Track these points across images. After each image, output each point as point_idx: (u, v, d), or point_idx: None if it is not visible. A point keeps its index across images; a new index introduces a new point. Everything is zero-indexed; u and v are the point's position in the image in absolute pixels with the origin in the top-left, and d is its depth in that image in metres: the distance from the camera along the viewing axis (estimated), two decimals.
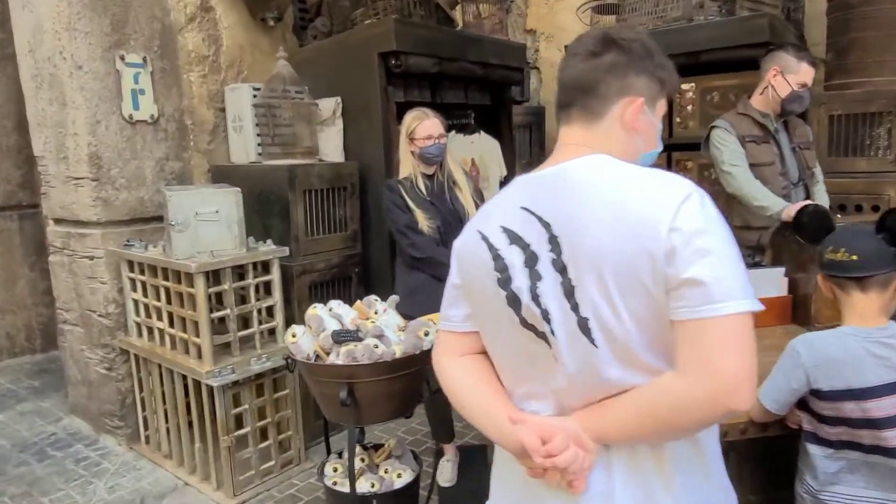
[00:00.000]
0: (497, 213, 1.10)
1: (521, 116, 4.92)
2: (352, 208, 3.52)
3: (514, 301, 1.04)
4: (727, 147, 2.61)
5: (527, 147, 5.06)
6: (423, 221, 2.68)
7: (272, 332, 3.04)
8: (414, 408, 2.26)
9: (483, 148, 4.22)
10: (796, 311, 2.26)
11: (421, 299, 2.48)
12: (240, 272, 2.87)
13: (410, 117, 2.74)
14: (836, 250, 1.46)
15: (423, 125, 2.69)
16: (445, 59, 3.64)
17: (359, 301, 2.34)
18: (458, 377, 1.17)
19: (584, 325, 0.98)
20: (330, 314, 2.20)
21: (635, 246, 0.92)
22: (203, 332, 2.71)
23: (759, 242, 2.65)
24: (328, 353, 2.06)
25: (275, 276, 3.00)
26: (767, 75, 2.64)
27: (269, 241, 3.05)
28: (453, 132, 3.97)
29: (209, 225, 2.77)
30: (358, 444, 2.27)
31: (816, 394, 1.43)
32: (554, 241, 0.99)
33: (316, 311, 2.19)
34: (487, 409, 1.12)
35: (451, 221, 2.75)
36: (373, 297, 2.37)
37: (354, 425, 2.07)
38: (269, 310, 3.03)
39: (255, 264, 2.93)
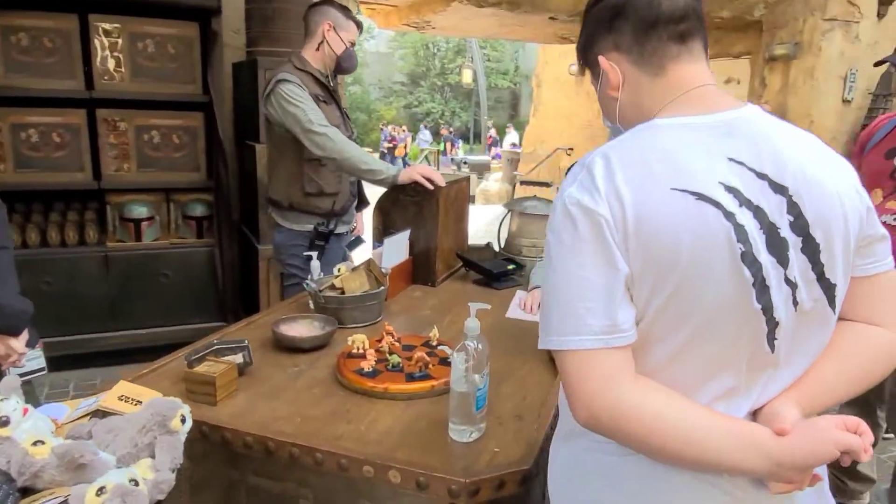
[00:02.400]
0: (699, 165, 0.84)
1: None
2: None
3: (757, 278, 0.83)
4: (308, 104, 2.36)
5: None
6: None
7: None
8: None
9: None
10: (417, 271, 2.37)
11: None
12: None
13: None
14: None
15: None
16: None
17: None
18: (666, 405, 0.84)
19: (828, 293, 0.89)
20: None
21: (851, 203, 0.88)
22: None
23: (332, 209, 2.56)
24: None
25: None
26: (320, 29, 2.49)
27: None
28: None
29: None
30: None
31: None
32: (790, 201, 0.85)
33: None
34: (729, 428, 0.84)
35: None
36: (11, 380, 1.05)
37: None
38: None
39: None
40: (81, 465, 0.97)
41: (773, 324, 0.85)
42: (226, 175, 3.57)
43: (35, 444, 0.97)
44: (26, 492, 0.96)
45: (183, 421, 1.09)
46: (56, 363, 3.35)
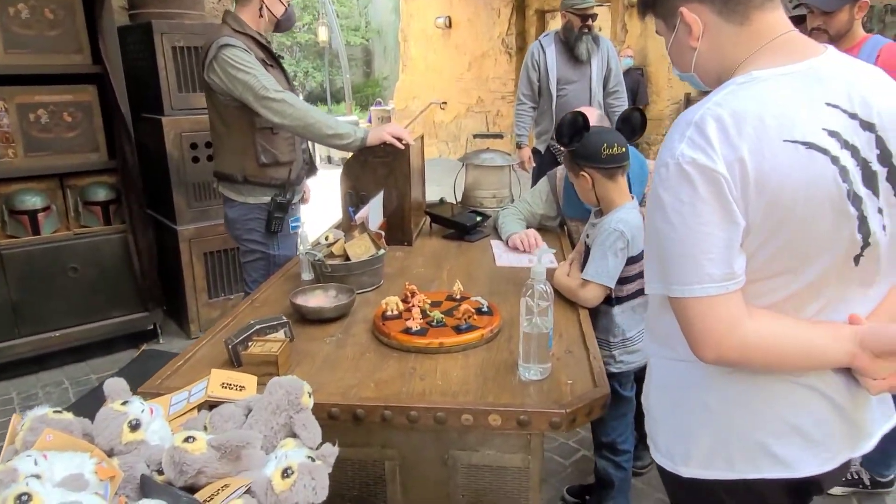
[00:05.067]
0: (803, 114, 0.90)
1: None
2: None
3: (859, 211, 0.91)
4: (258, 69, 2.21)
5: None
6: None
7: None
8: None
9: None
10: (392, 232, 2.36)
11: None
12: None
13: None
14: (612, 146, 1.80)
15: None
16: None
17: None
18: (782, 331, 0.94)
19: None
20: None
21: None
22: None
23: (289, 178, 2.46)
24: None
25: None
26: None
27: None
28: None
29: None
30: None
31: (628, 260, 1.81)
32: (877, 136, 0.92)
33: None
34: (827, 329, 0.96)
35: None
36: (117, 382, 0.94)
37: None
38: None
39: None
40: (238, 455, 0.93)
41: (868, 250, 0.93)
42: (131, 153, 3.25)
43: (186, 440, 0.91)
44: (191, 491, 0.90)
45: (309, 396, 1.07)
46: None
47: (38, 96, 3.08)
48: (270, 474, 0.90)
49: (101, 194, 3.34)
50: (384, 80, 19.20)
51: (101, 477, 0.87)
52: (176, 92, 3.37)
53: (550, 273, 1.85)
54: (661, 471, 1.12)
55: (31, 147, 3.10)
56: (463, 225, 2.43)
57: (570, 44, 3.76)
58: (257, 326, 1.50)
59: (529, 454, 1.36)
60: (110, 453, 0.94)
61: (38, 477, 0.81)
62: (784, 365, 0.96)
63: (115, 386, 1.01)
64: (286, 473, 0.89)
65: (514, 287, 1.92)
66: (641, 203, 2.14)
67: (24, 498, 0.75)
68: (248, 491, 0.89)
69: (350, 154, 2.36)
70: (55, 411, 0.97)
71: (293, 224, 2.27)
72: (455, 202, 2.83)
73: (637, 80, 7.22)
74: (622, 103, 3.90)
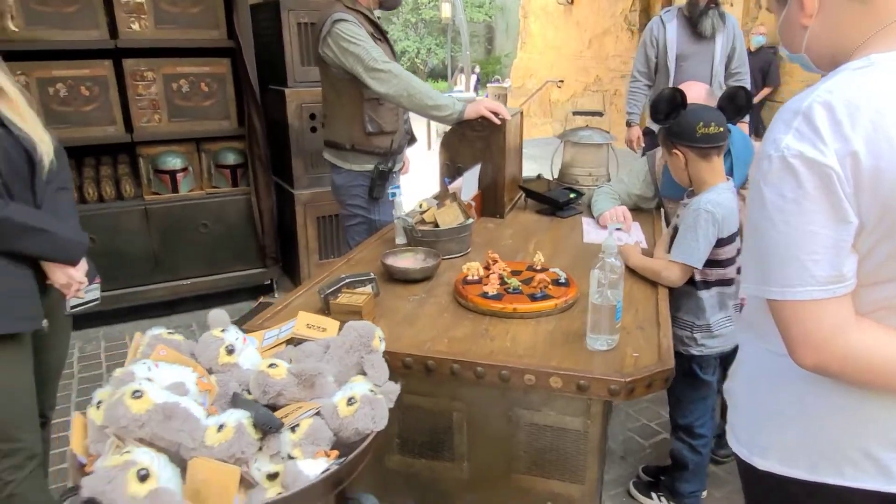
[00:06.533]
0: None
1: None
2: None
3: None
4: (368, 42, 2.36)
5: None
6: None
7: None
8: None
9: None
10: (486, 204, 2.45)
11: None
12: None
13: None
14: (708, 125, 1.77)
15: None
16: None
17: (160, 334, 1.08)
18: (891, 347, 0.87)
19: None
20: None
21: None
22: None
23: (391, 147, 2.61)
24: None
25: None
26: None
27: None
28: None
29: None
30: None
31: (717, 243, 1.78)
32: None
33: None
34: None
35: (14, 157, 1.57)
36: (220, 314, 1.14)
37: None
38: None
39: None
40: (313, 383, 1.07)
41: None
42: (259, 122, 3.55)
43: (270, 366, 1.06)
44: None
45: (380, 340, 1.19)
46: (106, 317, 3.41)
47: (180, 68, 3.43)
48: (337, 401, 1.03)
49: (231, 158, 3.68)
50: (504, 58, 19.13)
51: (201, 389, 1.04)
52: (298, 65, 3.61)
53: (626, 251, 1.87)
54: (737, 459, 1.08)
55: (173, 114, 3.47)
56: (555, 200, 2.46)
57: (693, 19, 3.60)
58: (347, 280, 1.65)
59: (589, 419, 1.41)
60: (209, 371, 1.11)
61: (149, 380, 0.98)
62: (890, 384, 0.87)
63: (218, 316, 1.19)
64: (350, 402, 1.02)
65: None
66: (744, 186, 2.07)
67: (137, 393, 0.92)
68: (318, 413, 1.02)
69: (447, 128, 2.46)
70: (169, 332, 1.16)
71: (392, 191, 2.41)
72: (552, 179, 2.86)
73: (769, 60, 6.74)
74: (744, 85, 3.70)
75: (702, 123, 1.76)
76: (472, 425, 1.51)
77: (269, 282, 3.88)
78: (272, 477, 0.96)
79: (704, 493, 2.16)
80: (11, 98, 1.58)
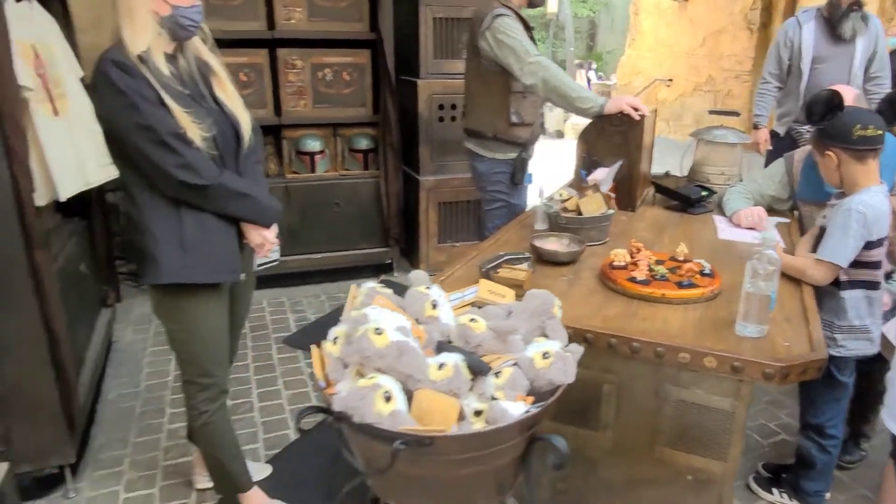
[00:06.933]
0: None
1: None
2: None
3: None
4: (522, 36, 2.52)
5: None
6: (193, 128, 1.64)
7: None
8: None
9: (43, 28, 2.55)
10: (619, 197, 2.54)
11: (208, 256, 1.74)
12: None
13: None
14: (866, 127, 1.80)
15: None
16: None
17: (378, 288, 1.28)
18: None
19: None
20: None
21: None
22: None
23: (529, 138, 2.75)
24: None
25: None
26: None
27: None
28: None
29: None
30: None
31: (866, 245, 1.80)
32: None
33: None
34: None
35: (227, 132, 1.79)
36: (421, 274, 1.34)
37: None
38: None
39: None
40: (506, 339, 1.23)
41: None
42: (393, 111, 3.78)
43: (472, 321, 1.23)
44: None
45: (559, 308, 1.34)
46: None
47: (325, 58, 3.71)
48: (531, 355, 1.18)
49: (364, 144, 3.94)
50: (607, 54, 18.80)
51: (415, 335, 1.22)
52: (431, 58, 3.81)
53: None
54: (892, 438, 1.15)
55: (317, 100, 3.76)
56: (688, 197, 2.53)
57: (833, 21, 3.51)
58: (507, 256, 1.81)
59: (738, 400, 1.51)
60: (416, 322, 1.30)
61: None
62: None
63: (420, 276, 1.37)
64: (545, 356, 1.17)
65: (734, 259, 2.01)
66: (892, 191, 2.07)
67: (378, 331, 1.11)
68: (515, 364, 1.18)
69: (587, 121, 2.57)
70: (380, 286, 1.35)
71: (527, 178, 2.57)
72: (680, 176, 2.91)
73: None
74: (883, 90, 3.57)
75: (859, 126, 1.79)
76: (620, 397, 1.63)
77: (389, 261, 4.13)
78: (478, 413, 1.13)
79: (828, 495, 2.18)
80: (222, 80, 1.84)
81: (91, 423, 2.56)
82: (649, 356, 1.49)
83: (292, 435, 2.53)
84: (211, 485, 2.17)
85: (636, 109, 2.43)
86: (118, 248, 3.68)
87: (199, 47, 1.80)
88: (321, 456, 2.37)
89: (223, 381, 1.93)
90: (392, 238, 4.05)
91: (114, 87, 1.57)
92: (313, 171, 3.85)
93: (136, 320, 3.48)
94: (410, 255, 4.28)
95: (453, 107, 3.84)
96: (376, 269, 4.13)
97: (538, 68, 2.47)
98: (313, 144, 3.83)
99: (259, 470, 2.25)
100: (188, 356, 1.86)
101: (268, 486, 2.12)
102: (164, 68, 1.65)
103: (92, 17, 3.29)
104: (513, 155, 2.73)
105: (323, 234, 3.91)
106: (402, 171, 4.14)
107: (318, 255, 3.92)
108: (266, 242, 1.89)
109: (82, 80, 2.72)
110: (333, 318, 3.40)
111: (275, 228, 1.93)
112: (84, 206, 2.93)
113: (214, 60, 1.83)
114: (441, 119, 3.89)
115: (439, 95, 3.84)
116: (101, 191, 3.02)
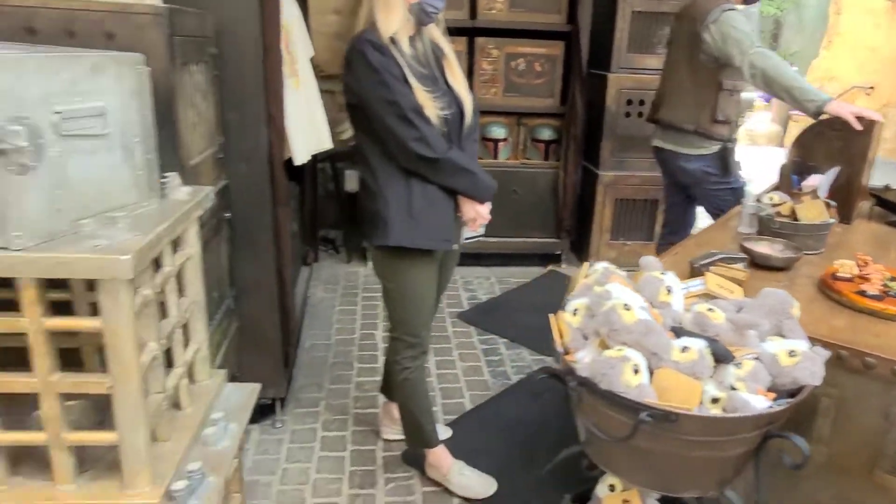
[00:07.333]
0: None
1: None
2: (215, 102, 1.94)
3: None
4: (747, 28, 2.47)
5: None
6: (430, 106, 1.79)
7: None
8: None
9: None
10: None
11: (430, 225, 1.90)
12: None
13: None
14: None
15: None
16: None
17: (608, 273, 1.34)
18: None
19: None
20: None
21: None
22: None
23: (728, 136, 2.68)
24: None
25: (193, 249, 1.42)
26: None
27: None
28: None
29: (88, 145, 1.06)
30: None
31: None
32: None
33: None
34: None
35: (454, 112, 1.91)
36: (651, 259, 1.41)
37: None
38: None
39: None
40: (743, 333, 1.24)
41: None
42: (581, 104, 3.80)
43: (709, 310, 1.25)
44: None
45: (798, 310, 1.31)
46: None
47: (519, 48, 3.81)
48: (775, 352, 1.18)
49: (546, 134, 4.00)
50: (790, 56, 17.35)
51: (652, 316, 1.26)
52: (625, 52, 3.78)
53: None
54: None
55: (507, 89, 3.88)
56: None
57: None
58: (721, 255, 1.78)
59: None
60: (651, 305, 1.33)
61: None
62: None
63: (650, 261, 1.41)
64: (791, 354, 1.16)
65: None
66: None
67: (627, 307, 1.16)
68: (757, 358, 1.19)
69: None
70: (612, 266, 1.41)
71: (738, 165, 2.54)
72: None
73: None
74: None
75: None
76: (840, 413, 1.56)
77: (559, 252, 4.17)
78: (715, 401, 1.15)
79: None
80: (452, 63, 1.97)
81: (293, 367, 2.88)
82: (885, 373, 1.41)
83: (467, 404, 2.67)
84: (396, 437, 2.36)
85: (860, 119, 2.27)
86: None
87: (434, 32, 1.95)
88: (494, 426, 2.49)
89: (426, 341, 2.09)
90: (564, 230, 4.08)
91: (369, 64, 1.75)
92: (496, 157, 3.97)
93: (325, 280, 3.83)
94: (580, 248, 4.29)
95: (641, 102, 3.77)
96: (545, 259, 4.19)
97: (761, 58, 2.40)
98: (498, 132, 3.95)
99: (441, 431, 2.41)
100: (400, 315, 2.03)
101: (448, 447, 2.26)
102: (408, 50, 1.82)
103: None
104: (716, 148, 2.70)
105: (498, 220, 3.98)
106: (582, 164, 4.15)
107: (493, 239, 4.04)
108: (479, 217, 2.01)
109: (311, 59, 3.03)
110: (504, 300, 3.55)
111: (488, 205, 2.05)
112: (298, 172, 3.26)
113: (447, 44, 1.97)
114: (628, 115, 3.84)
115: (628, 90, 3.80)
116: (315, 160, 3.35)
